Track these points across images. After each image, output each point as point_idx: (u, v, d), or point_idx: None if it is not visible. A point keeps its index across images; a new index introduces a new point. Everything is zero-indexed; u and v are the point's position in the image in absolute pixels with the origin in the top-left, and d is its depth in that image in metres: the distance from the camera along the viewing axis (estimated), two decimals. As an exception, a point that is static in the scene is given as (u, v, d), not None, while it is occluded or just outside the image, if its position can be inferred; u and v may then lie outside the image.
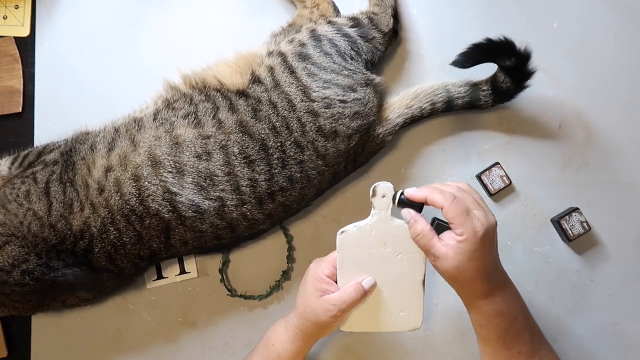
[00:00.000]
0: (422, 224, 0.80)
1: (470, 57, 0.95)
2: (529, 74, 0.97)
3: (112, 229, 0.89)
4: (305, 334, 0.87)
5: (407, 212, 0.81)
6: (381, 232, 0.83)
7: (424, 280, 0.85)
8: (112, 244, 0.90)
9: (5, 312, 0.93)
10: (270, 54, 0.95)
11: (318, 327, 0.85)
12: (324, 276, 0.85)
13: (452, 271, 0.77)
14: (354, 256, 0.84)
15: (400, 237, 0.83)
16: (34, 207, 0.89)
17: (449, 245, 0.77)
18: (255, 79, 0.93)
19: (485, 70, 1.00)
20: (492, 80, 1.00)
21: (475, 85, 1.00)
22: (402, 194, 0.82)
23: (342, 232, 0.84)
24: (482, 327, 0.81)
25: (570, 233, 1.00)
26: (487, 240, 0.77)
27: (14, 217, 0.89)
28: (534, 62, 0.98)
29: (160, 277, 1.02)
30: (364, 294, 0.83)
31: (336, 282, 0.85)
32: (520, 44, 0.94)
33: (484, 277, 0.78)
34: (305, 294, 0.86)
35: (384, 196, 0.82)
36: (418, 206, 0.82)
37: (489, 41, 0.94)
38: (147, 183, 0.88)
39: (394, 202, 0.83)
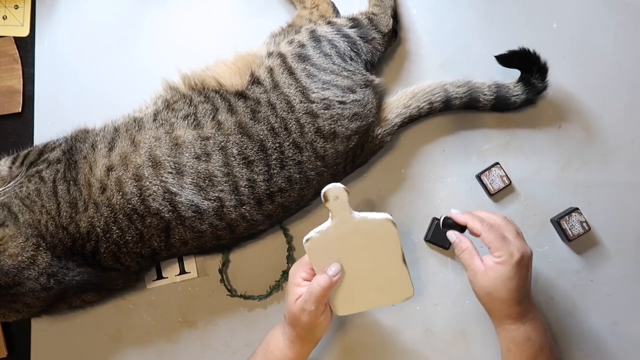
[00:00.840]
0: (466, 242, 0.86)
1: (516, 59, 0.99)
2: (533, 101, 1.02)
3: (115, 227, 0.89)
4: (299, 339, 0.88)
5: (453, 233, 0.88)
6: (346, 231, 0.84)
7: (403, 257, 0.86)
8: (115, 242, 0.90)
9: (19, 317, 0.93)
10: (269, 54, 0.95)
11: (306, 329, 0.86)
12: (301, 280, 0.86)
13: (488, 287, 0.83)
14: (327, 256, 0.85)
15: (367, 229, 0.84)
16: (46, 206, 0.90)
17: (487, 265, 0.84)
18: (255, 80, 0.93)
19: (484, 75, 1.01)
20: (501, 89, 1.00)
21: (474, 87, 1.00)
22: (447, 217, 0.89)
23: (307, 240, 0.84)
24: (510, 351, 0.87)
25: (570, 233, 1.00)
26: (522, 266, 0.83)
27: (33, 214, 0.89)
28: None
29: (160, 277, 1.03)
30: (330, 280, 0.83)
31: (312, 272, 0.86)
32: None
33: (516, 300, 0.83)
34: (288, 301, 0.87)
35: (337, 198, 0.83)
36: (460, 228, 0.89)
37: (537, 56, 0.98)
38: (148, 183, 0.88)
39: (439, 225, 0.91)
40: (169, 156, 0.89)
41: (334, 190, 0.82)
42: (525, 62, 0.99)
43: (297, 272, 0.87)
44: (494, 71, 1.03)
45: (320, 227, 0.84)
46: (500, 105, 1.00)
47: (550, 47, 1.03)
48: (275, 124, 0.90)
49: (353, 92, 0.93)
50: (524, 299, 0.85)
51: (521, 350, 0.85)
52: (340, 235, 0.84)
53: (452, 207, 1.02)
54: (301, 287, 0.85)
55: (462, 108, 1.01)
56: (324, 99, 0.91)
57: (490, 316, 0.88)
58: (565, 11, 1.05)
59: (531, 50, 0.98)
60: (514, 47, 1.03)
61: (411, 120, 1.00)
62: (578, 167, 1.04)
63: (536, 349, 0.85)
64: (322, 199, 0.83)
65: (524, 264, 0.83)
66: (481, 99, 1.00)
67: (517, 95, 1.00)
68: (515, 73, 1.02)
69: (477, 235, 0.86)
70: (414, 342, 1.03)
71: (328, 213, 0.83)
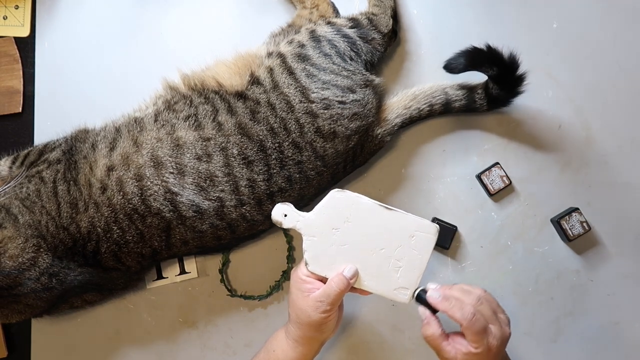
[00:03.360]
0: (434, 327, 0.81)
1: (456, 64, 0.95)
2: (518, 81, 0.97)
3: (116, 227, 0.89)
4: (305, 339, 0.87)
5: (423, 311, 0.83)
6: (323, 227, 0.84)
7: (425, 267, 0.85)
8: (116, 242, 0.90)
9: (21, 318, 0.93)
10: (269, 54, 0.95)
11: (314, 327, 0.85)
12: (304, 277, 0.85)
13: None
14: (332, 258, 0.85)
15: (399, 224, 0.84)
16: (47, 206, 0.90)
17: (459, 351, 0.80)
18: (255, 80, 0.94)
19: (484, 76, 1.01)
20: (485, 85, 1.00)
21: (471, 89, 1.00)
22: (422, 290, 0.84)
23: (306, 264, 0.85)
24: None
25: (570, 233, 1.00)
26: (499, 351, 0.80)
27: (33, 215, 0.89)
28: (531, 64, 0.99)
29: (160, 277, 1.03)
30: (348, 283, 0.83)
31: (320, 280, 0.85)
32: (507, 49, 0.93)
33: None
34: (293, 299, 0.86)
35: (285, 215, 0.85)
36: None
37: (473, 48, 0.94)
38: (149, 183, 0.89)
39: (412, 295, 0.85)
40: (170, 156, 0.89)
41: (277, 211, 0.85)
42: (468, 63, 0.95)
43: (298, 270, 0.87)
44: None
45: (304, 245, 0.85)
46: (493, 103, 1.00)
47: (550, 47, 1.03)
48: (275, 124, 0.90)
49: (353, 92, 0.93)
50: None
51: None
52: (324, 233, 0.84)
53: (451, 209, 1.02)
54: (306, 284, 0.85)
55: (462, 111, 1.01)
56: (324, 98, 0.91)
57: None
58: (565, 11, 1.05)
59: (466, 47, 0.94)
60: (514, 47, 1.02)
61: (411, 121, 1.01)
62: (578, 167, 1.04)
63: None
64: (278, 224, 0.85)
65: (500, 351, 0.81)
66: (477, 99, 1.00)
67: (494, 88, 0.98)
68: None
69: (459, 324, 0.80)
70: (414, 342, 1.03)
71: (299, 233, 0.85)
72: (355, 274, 0.84)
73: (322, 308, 0.83)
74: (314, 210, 0.85)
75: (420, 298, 0.84)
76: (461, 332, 0.81)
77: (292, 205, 0.86)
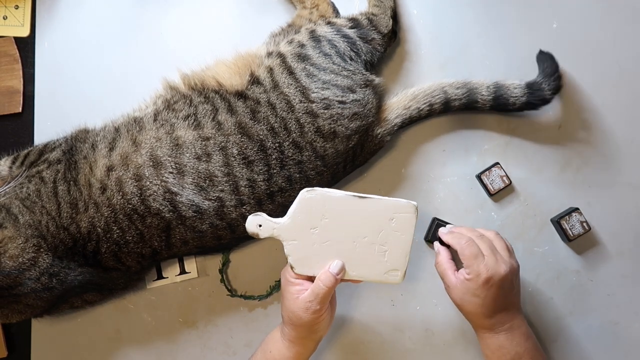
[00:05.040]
0: (443, 255, 0.91)
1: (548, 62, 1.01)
2: (535, 107, 1.01)
3: (115, 228, 0.89)
4: (300, 339, 0.87)
5: (436, 245, 0.94)
6: (301, 229, 0.84)
7: (410, 245, 0.86)
8: (116, 242, 0.90)
9: (21, 317, 0.93)
10: (269, 54, 0.95)
11: (307, 328, 0.85)
12: (292, 279, 0.85)
13: (457, 300, 0.89)
14: (317, 257, 0.85)
15: (377, 209, 0.84)
16: (47, 207, 0.90)
17: (459, 279, 0.88)
18: (255, 80, 0.94)
19: (484, 75, 1.01)
20: (500, 89, 1.00)
21: (473, 89, 1.00)
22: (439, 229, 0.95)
23: (292, 267, 0.84)
24: (487, 356, 0.91)
25: (570, 233, 1.00)
26: (491, 285, 0.85)
27: (33, 215, 0.89)
28: (532, 64, 1.02)
29: (160, 277, 1.03)
30: (335, 280, 0.83)
31: (308, 279, 0.85)
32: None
33: (485, 314, 0.87)
34: (285, 302, 0.86)
35: (260, 225, 0.84)
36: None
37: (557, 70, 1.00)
38: (148, 183, 0.89)
39: (439, 225, 0.99)
40: (169, 156, 0.89)
41: (250, 222, 0.84)
42: (550, 68, 1.00)
43: (287, 272, 0.87)
44: (495, 71, 1.03)
45: (286, 251, 0.84)
46: (499, 105, 1.00)
47: (550, 47, 1.03)
48: (275, 124, 0.90)
49: (353, 91, 0.93)
50: (496, 313, 0.87)
51: (496, 356, 0.89)
52: (306, 234, 0.84)
53: (451, 209, 1.03)
54: (295, 285, 0.85)
55: (462, 109, 1.01)
56: (324, 98, 0.91)
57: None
58: (565, 11, 1.05)
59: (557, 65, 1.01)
60: (514, 47, 1.03)
61: (411, 121, 1.01)
62: (578, 167, 1.04)
63: (512, 356, 0.88)
64: (255, 236, 0.84)
65: (494, 283, 0.85)
66: (479, 100, 1.00)
67: (515, 97, 0.99)
68: (519, 74, 1.02)
69: (456, 250, 0.89)
70: (414, 342, 1.03)
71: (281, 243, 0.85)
72: (342, 269, 0.84)
73: (312, 308, 0.83)
74: (287, 214, 0.84)
75: (436, 236, 0.95)
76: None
77: (264, 214, 0.84)
